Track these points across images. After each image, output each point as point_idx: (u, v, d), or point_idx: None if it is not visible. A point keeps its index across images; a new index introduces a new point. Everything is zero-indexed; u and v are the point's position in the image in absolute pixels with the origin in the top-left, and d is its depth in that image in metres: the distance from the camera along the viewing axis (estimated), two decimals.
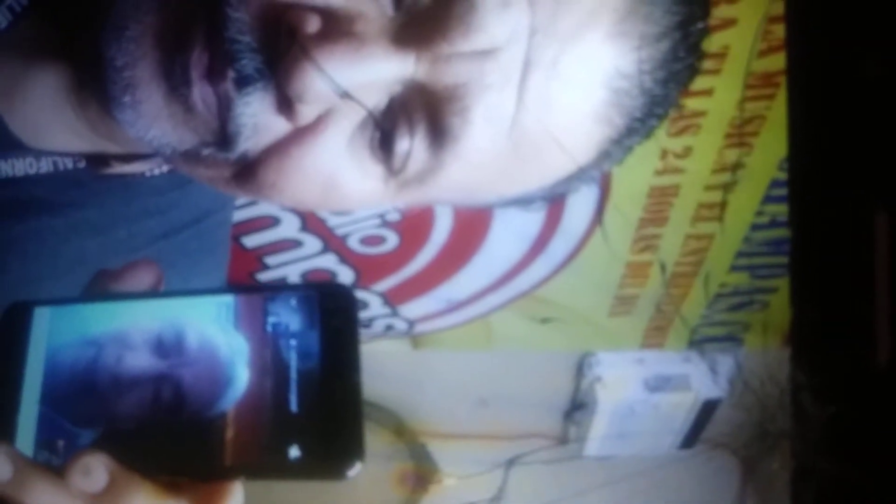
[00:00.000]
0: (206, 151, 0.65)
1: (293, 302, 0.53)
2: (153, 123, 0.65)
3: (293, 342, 0.52)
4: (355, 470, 0.48)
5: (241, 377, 0.51)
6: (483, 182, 0.69)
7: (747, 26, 1.25)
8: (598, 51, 0.65)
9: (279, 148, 0.65)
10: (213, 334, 0.52)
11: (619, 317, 1.60)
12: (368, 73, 0.62)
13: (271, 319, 0.52)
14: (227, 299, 0.53)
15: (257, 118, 0.63)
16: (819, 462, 1.52)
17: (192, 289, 0.56)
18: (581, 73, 0.65)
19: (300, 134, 0.64)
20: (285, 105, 0.62)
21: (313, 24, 0.61)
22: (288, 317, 0.52)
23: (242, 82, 0.61)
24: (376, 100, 0.64)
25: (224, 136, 0.64)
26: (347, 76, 0.61)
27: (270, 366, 0.51)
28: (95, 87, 0.67)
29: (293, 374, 0.50)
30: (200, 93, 0.62)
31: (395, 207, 0.76)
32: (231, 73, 0.61)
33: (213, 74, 0.62)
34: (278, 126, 0.64)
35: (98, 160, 0.77)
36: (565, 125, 0.66)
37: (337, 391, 0.50)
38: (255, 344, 0.52)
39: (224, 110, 0.62)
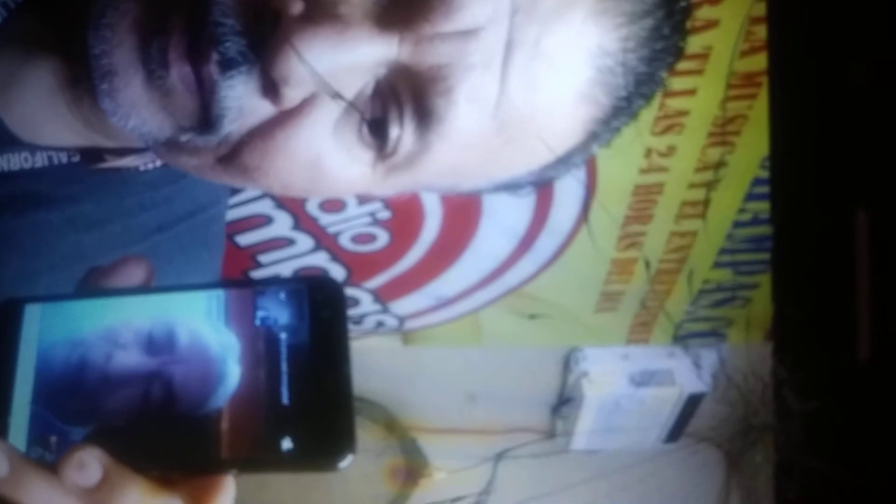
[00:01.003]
0: (185, 137, 0.65)
1: (282, 296, 0.52)
2: (132, 111, 0.64)
3: (283, 335, 0.51)
4: (347, 461, 0.48)
5: (233, 373, 0.50)
6: (470, 165, 0.69)
7: (730, 27, 1.26)
8: (580, 29, 0.65)
9: (263, 131, 0.65)
10: (203, 331, 0.52)
11: (605, 313, 1.61)
12: (352, 56, 0.62)
13: (261, 314, 0.52)
14: (217, 294, 0.53)
15: (241, 101, 0.63)
16: (801, 456, 1.53)
17: (182, 284, 0.55)
18: (564, 53, 0.65)
19: (285, 117, 0.64)
20: (270, 88, 0.62)
21: (297, 7, 0.62)
22: (277, 310, 0.52)
23: (226, 65, 0.61)
24: (362, 83, 0.64)
25: (206, 119, 0.63)
26: (331, 59, 0.61)
27: (261, 359, 0.51)
28: (87, 81, 0.67)
29: (284, 367, 0.50)
30: (179, 73, 0.62)
31: (383, 194, 0.76)
32: (215, 56, 0.61)
33: (195, 56, 0.62)
34: (263, 109, 0.64)
35: (92, 155, 0.77)
36: (550, 104, 0.67)
37: (328, 383, 0.50)
38: (245, 339, 0.51)
39: (207, 93, 0.62)
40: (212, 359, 0.51)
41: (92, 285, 0.55)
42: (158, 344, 0.52)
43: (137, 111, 0.65)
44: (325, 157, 0.66)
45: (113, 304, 0.53)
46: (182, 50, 0.62)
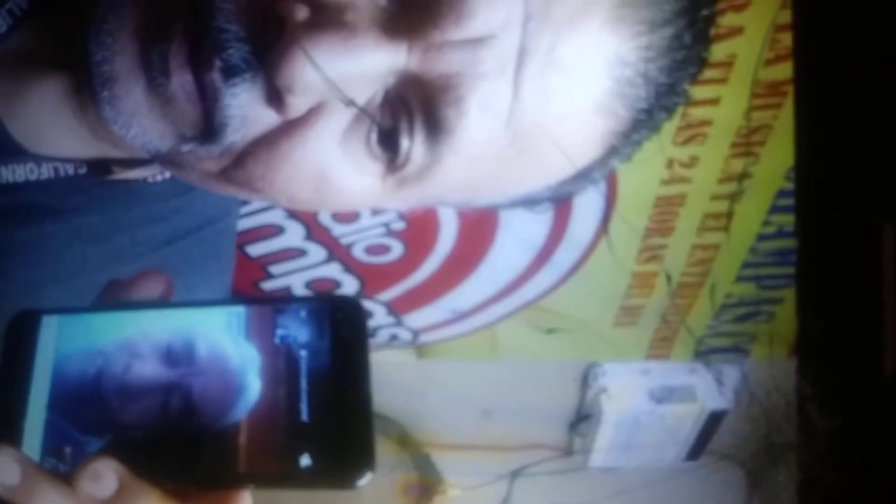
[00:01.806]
0: (187, 147, 0.64)
1: (303, 314, 0.53)
2: (134, 119, 0.64)
3: (303, 353, 0.52)
4: (365, 479, 0.48)
5: (253, 387, 0.51)
6: (483, 178, 0.67)
7: (754, 35, 1.25)
8: (596, 37, 0.63)
9: (268, 140, 0.63)
10: (224, 344, 0.52)
11: (625, 327, 1.60)
12: (360, 64, 0.61)
13: (280, 332, 0.53)
14: (239, 310, 0.53)
15: (245, 110, 0.62)
16: (825, 474, 1.51)
17: (203, 299, 0.57)
18: (579, 61, 0.63)
19: (290, 127, 0.63)
20: (274, 97, 0.61)
21: (302, 14, 0.60)
22: (298, 328, 0.53)
23: (229, 73, 0.60)
24: (370, 92, 0.63)
25: (209, 128, 0.62)
26: (338, 67, 0.60)
27: (281, 376, 0.51)
28: (91, 90, 0.66)
29: (304, 384, 0.51)
30: (180, 81, 0.61)
31: (396, 209, 0.74)
32: (217, 63, 0.60)
33: (197, 63, 0.61)
34: (267, 118, 0.63)
35: (99, 166, 0.77)
36: (565, 116, 0.65)
37: (347, 401, 0.50)
38: (266, 354, 0.52)
39: (210, 101, 0.61)
40: (232, 371, 0.52)
41: (111, 298, 0.56)
42: (177, 355, 0.52)
43: (139, 119, 0.64)
44: (332, 169, 0.65)
45: (131, 317, 0.54)
46: (183, 57, 0.61)
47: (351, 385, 0.51)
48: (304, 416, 0.50)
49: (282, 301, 0.54)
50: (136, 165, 0.77)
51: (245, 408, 0.50)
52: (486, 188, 0.71)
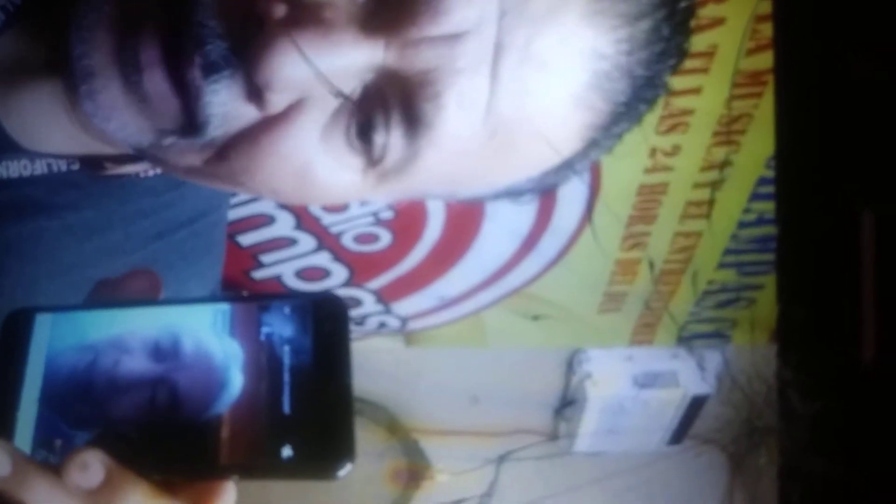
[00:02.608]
0: (168, 141, 0.64)
1: (287, 310, 0.53)
2: (113, 114, 0.63)
3: (286, 348, 0.52)
4: (345, 470, 0.49)
5: (236, 381, 0.51)
6: (464, 172, 0.67)
7: (735, 25, 1.26)
8: (573, 31, 0.63)
9: (249, 136, 0.63)
10: (208, 340, 0.53)
11: (609, 314, 1.61)
12: (338, 60, 0.61)
13: (265, 328, 0.53)
14: (223, 308, 0.54)
15: (226, 107, 0.61)
16: (805, 458, 1.53)
17: (190, 297, 0.58)
18: (556, 56, 0.63)
19: (271, 122, 0.63)
20: (254, 93, 0.61)
21: (281, 11, 0.60)
22: (282, 325, 0.53)
23: (209, 69, 0.60)
24: (349, 88, 0.62)
25: (191, 124, 0.62)
26: (318, 63, 0.60)
27: (264, 370, 0.51)
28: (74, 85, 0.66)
29: (286, 378, 0.51)
30: (151, 78, 0.61)
31: (382, 202, 0.74)
32: (198, 60, 0.60)
33: (174, 59, 0.61)
34: (248, 114, 0.62)
35: (92, 162, 0.77)
36: (543, 110, 0.64)
37: (328, 394, 0.50)
38: (249, 349, 0.52)
39: (192, 98, 0.61)
40: (215, 366, 0.52)
41: (101, 297, 0.56)
42: (164, 351, 0.53)
43: (118, 114, 0.63)
44: (313, 164, 0.65)
45: (121, 315, 0.54)
46: (155, 53, 0.61)
47: (332, 379, 0.51)
48: (287, 409, 0.50)
49: (266, 298, 0.55)
50: (127, 162, 0.77)
51: (228, 401, 0.51)
52: (467, 181, 0.70)
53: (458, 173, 0.67)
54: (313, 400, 0.50)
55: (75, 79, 0.63)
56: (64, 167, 0.76)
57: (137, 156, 0.71)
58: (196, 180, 0.70)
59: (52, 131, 0.74)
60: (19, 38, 0.74)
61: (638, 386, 1.67)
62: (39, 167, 0.75)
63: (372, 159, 0.64)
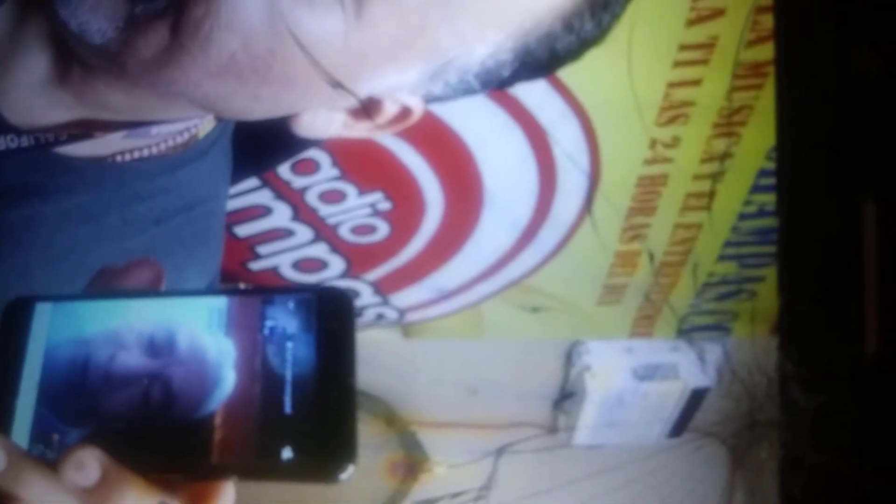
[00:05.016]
0: (138, 9, 0.63)
1: (290, 305, 0.53)
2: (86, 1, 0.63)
3: (289, 344, 0.52)
4: (347, 473, 0.48)
5: (228, 379, 0.51)
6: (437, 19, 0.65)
7: (736, 17, 1.25)
8: None
9: None
10: (201, 336, 0.52)
11: (608, 306, 1.60)
12: None
13: (269, 322, 0.52)
14: (221, 302, 0.53)
15: None
16: (807, 451, 1.52)
17: (192, 290, 0.58)
18: None
19: None
20: None
21: None
22: (285, 319, 0.52)
23: None
24: None
25: None
26: None
27: (262, 367, 0.51)
28: (73, 53, 0.66)
29: (288, 376, 0.50)
30: None
31: (367, 72, 0.67)
32: None
33: None
34: None
35: (82, 126, 0.76)
36: None
37: (331, 394, 0.50)
38: (248, 346, 0.52)
39: None
40: (207, 363, 0.51)
41: (102, 286, 0.56)
42: (159, 346, 0.52)
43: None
44: (288, 8, 0.63)
45: (121, 306, 0.54)
46: None
47: (336, 378, 0.50)
48: (288, 409, 0.50)
49: (270, 291, 0.54)
50: (118, 128, 0.76)
51: (220, 399, 0.50)
52: (443, 34, 0.67)
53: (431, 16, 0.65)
54: (316, 400, 0.50)
55: None
56: (51, 139, 0.75)
57: (135, 124, 0.72)
58: (168, 67, 0.66)
59: (43, 104, 0.74)
60: (6, 12, 0.74)
61: (638, 378, 1.67)
62: (26, 140, 0.75)
63: None
